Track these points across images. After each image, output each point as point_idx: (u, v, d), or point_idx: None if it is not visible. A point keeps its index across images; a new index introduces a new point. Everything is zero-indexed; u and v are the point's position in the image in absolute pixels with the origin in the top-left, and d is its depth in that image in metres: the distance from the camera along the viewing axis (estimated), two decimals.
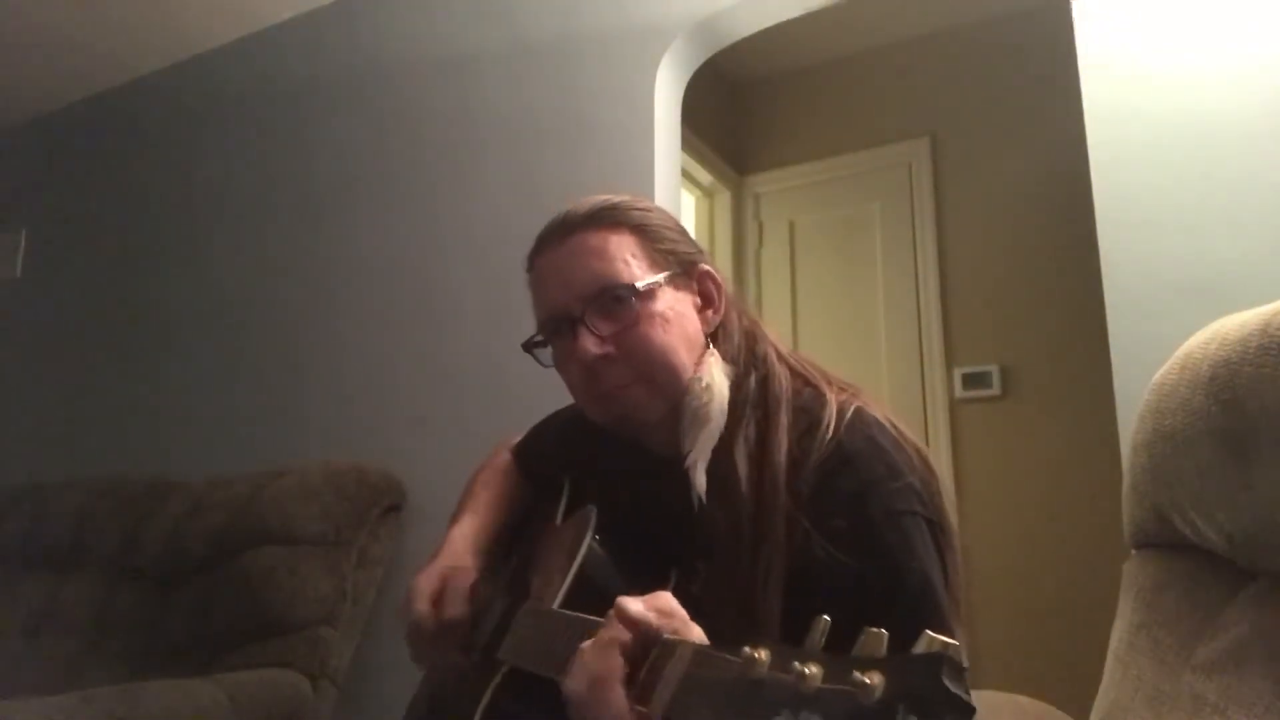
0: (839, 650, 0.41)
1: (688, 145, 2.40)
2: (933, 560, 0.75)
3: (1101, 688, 0.78)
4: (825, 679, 0.40)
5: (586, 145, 1.89)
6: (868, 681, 0.38)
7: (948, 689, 0.36)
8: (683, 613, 0.57)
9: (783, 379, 0.86)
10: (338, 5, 2.35)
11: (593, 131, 1.88)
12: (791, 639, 0.44)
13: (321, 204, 2.25)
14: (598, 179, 1.82)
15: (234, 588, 1.70)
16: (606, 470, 0.94)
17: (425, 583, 0.94)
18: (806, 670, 0.40)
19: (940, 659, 0.37)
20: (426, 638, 0.91)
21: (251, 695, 1.50)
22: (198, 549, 1.80)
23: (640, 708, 0.51)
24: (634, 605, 0.57)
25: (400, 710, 1.05)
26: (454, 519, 1.05)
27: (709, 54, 1.95)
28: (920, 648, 0.39)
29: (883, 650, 0.40)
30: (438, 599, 0.92)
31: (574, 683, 0.56)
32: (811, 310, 3.00)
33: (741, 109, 3.28)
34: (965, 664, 0.38)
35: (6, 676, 1.81)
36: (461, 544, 0.99)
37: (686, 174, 2.88)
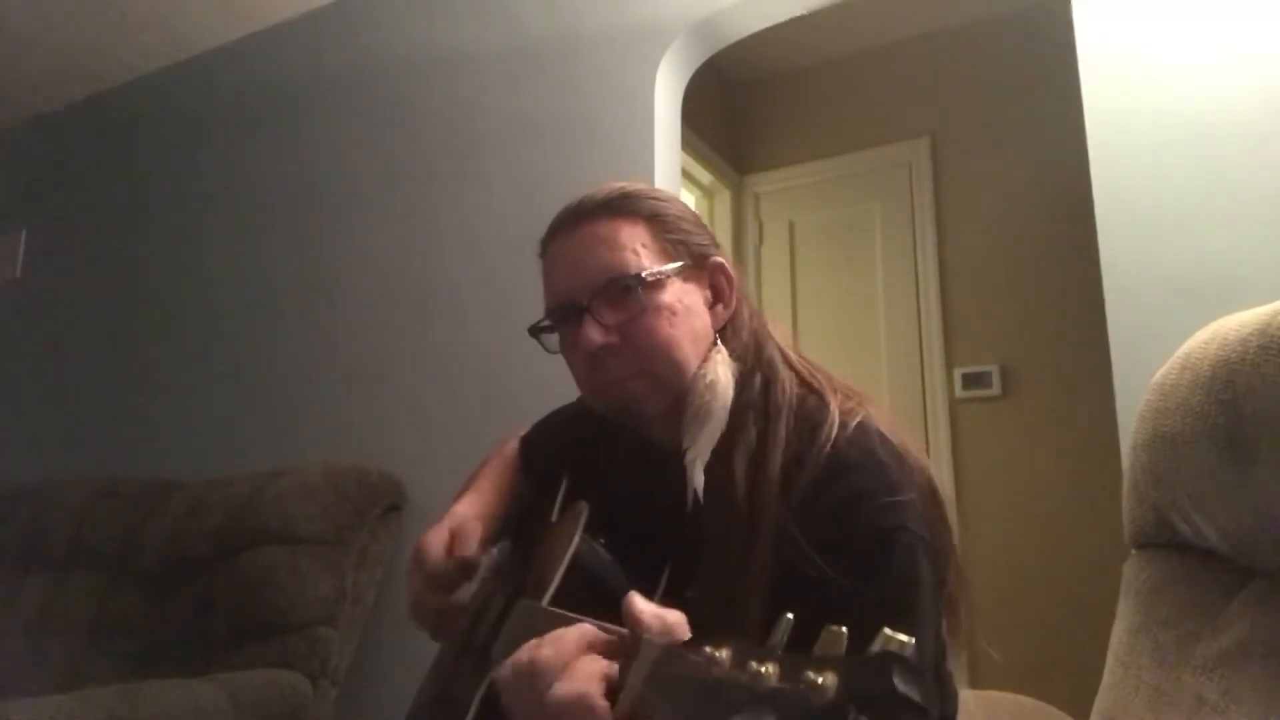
0: (799, 650, 0.41)
1: (688, 145, 2.40)
2: (920, 579, 0.73)
3: (1101, 688, 0.78)
4: (780, 678, 0.39)
5: (586, 145, 1.89)
6: (820, 681, 0.38)
7: (898, 690, 0.36)
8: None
9: (788, 384, 0.84)
10: (338, 5, 2.35)
11: (593, 131, 1.88)
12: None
13: (321, 204, 2.25)
14: (598, 179, 1.78)
15: (234, 588, 1.70)
16: (606, 465, 0.94)
17: (435, 536, 0.92)
18: (763, 670, 0.40)
19: (891, 659, 0.37)
20: (441, 587, 0.90)
21: (251, 695, 1.50)
22: (198, 549, 1.80)
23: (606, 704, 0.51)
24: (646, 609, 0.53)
25: (400, 710, 1.05)
26: (458, 497, 1.04)
27: (709, 54, 1.94)
28: (876, 646, 0.39)
29: (841, 649, 0.40)
30: (449, 549, 0.91)
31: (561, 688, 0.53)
32: (811, 310, 3.00)
33: (741, 109, 3.28)
34: (919, 661, 0.38)
35: (6, 676, 1.81)
36: (466, 510, 0.98)
37: (686, 174, 2.88)
